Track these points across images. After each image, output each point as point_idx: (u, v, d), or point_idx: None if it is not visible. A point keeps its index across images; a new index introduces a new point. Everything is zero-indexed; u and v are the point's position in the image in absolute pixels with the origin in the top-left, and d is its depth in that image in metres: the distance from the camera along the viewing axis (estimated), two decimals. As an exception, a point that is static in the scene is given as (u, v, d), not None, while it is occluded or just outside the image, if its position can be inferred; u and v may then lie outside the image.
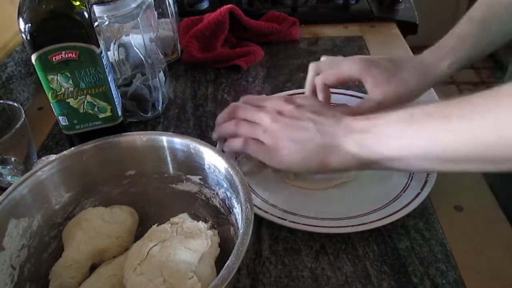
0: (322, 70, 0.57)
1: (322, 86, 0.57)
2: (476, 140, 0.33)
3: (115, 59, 0.62)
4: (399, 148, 0.39)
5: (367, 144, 0.41)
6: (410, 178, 0.51)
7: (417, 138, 0.38)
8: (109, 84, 0.54)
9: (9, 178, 0.48)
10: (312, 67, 0.58)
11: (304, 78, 0.58)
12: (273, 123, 0.47)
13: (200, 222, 0.41)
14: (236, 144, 0.49)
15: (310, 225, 0.46)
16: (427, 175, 0.50)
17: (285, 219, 0.47)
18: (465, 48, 0.54)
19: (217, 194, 0.43)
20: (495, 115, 0.32)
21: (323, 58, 0.59)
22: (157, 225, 0.40)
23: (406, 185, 0.50)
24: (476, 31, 0.54)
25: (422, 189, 0.49)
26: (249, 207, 0.35)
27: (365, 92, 0.57)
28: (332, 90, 0.59)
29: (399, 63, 0.54)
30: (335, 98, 0.62)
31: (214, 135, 0.53)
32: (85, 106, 0.54)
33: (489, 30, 0.54)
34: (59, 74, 0.51)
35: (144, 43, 0.62)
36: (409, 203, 0.47)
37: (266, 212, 0.47)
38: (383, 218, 0.46)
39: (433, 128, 0.37)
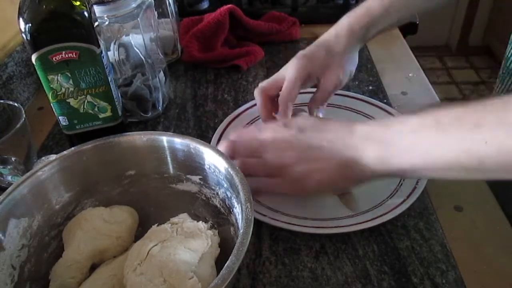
0: (265, 87, 0.56)
1: (265, 98, 0.55)
2: (508, 149, 0.32)
3: (115, 59, 0.62)
4: (425, 158, 0.37)
5: (389, 155, 0.39)
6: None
7: (446, 148, 0.35)
8: (109, 84, 0.54)
9: (9, 178, 0.48)
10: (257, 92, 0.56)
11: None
12: (285, 154, 0.45)
13: (200, 222, 0.41)
14: (257, 187, 0.45)
15: (305, 226, 0.46)
16: None
17: (277, 220, 0.47)
18: (381, 23, 0.57)
19: (217, 194, 0.43)
20: None
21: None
22: (157, 225, 0.40)
23: (400, 181, 0.50)
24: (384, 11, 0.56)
25: (417, 183, 0.49)
26: (249, 207, 0.35)
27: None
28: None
29: (330, 51, 0.56)
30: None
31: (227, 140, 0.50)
32: (85, 106, 0.54)
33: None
34: (59, 74, 0.51)
35: (144, 43, 0.62)
36: (406, 199, 0.47)
37: (264, 216, 0.47)
38: (380, 216, 0.46)
39: (463, 138, 0.34)
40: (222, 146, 0.48)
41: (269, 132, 0.47)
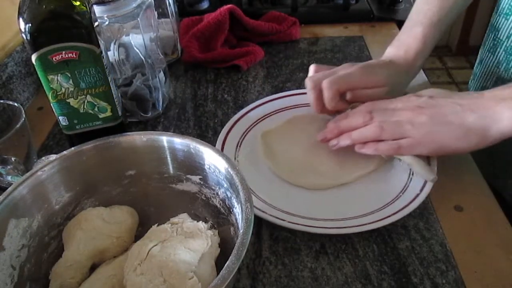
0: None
1: (336, 93, 0.55)
2: None
3: (115, 59, 0.62)
4: None
5: None
6: (410, 179, 0.51)
7: None
8: (109, 84, 0.54)
9: (9, 178, 0.48)
10: (310, 81, 0.57)
11: (304, 78, 0.58)
12: (418, 116, 0.48)
13: (200, 222, 0.41)
14: (388, 147, 0.49)
15: (309, 226, 0.46)
16: None
17: (284, 220, 0.46)
18: (429, 47, 0.61)
19: (217, 194, 0.43)
20: None
21: (313, 69, 0.60)
22: (157, 225, 0.40)
23: (405, 186, 0.50)
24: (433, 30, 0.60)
25: (421, 190, 0.49)
26: (249, 207, 0.35)
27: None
28: None
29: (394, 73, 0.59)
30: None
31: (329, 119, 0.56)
32: (85, 106, 0.54)
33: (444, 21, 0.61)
34: (59, 74, 0.51)
35: (144, 43, 0.62)
36: (408, 204, 0.47)
37: (265, 213, 0.47)
38: (382, 219, 0.46)
39: None
40: (358, 113, 0.52)
41: (401, 102, 0.51)
